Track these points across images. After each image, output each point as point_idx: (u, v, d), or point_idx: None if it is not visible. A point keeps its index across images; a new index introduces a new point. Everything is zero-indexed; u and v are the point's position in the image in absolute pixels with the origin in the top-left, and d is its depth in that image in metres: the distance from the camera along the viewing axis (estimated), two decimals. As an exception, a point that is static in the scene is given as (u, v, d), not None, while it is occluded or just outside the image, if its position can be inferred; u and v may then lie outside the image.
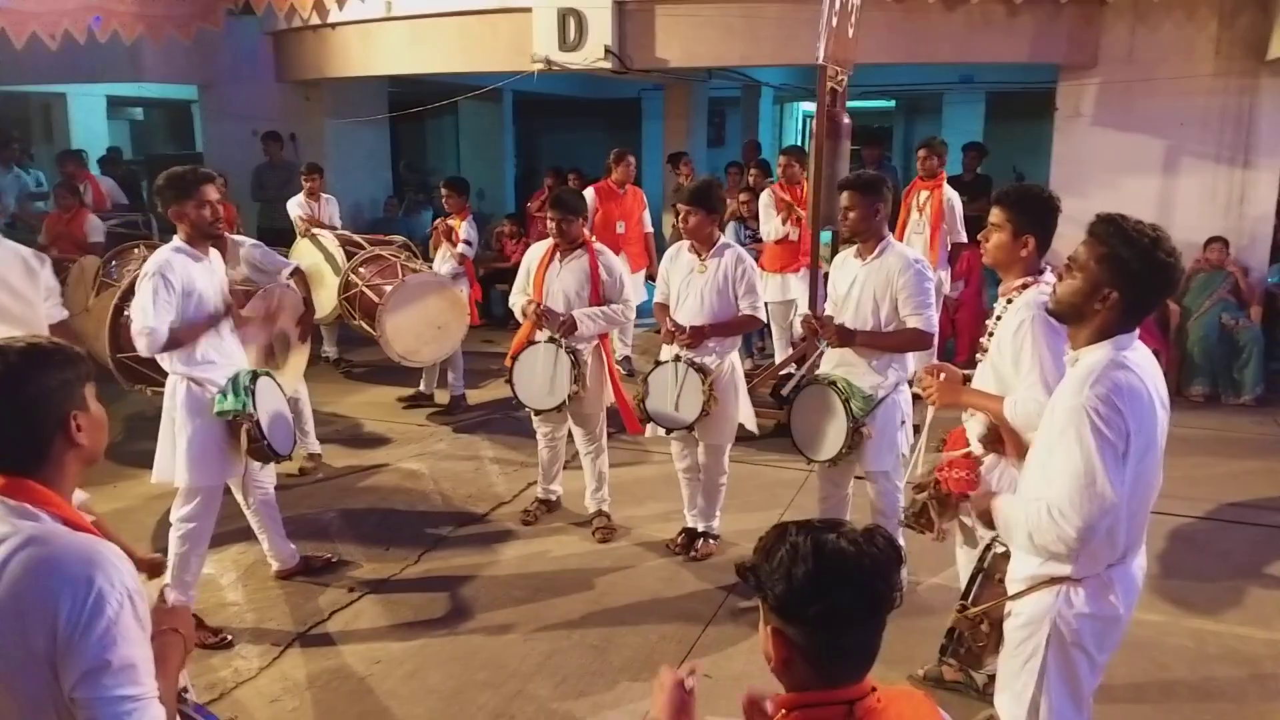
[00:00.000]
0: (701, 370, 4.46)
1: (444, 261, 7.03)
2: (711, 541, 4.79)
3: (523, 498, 5.44)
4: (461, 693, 3.65)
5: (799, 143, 14.79)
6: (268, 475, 4.38)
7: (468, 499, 5.51)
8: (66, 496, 1.69)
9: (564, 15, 7.61)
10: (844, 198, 3.94)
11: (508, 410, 6.85)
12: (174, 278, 3.80)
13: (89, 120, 14.26)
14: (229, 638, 3.97)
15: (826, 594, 1.44)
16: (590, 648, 3.97)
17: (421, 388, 7.31)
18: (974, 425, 3.07)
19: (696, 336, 4.46)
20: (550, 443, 5.15)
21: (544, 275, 4.83)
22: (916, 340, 3.93)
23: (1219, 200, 7.28)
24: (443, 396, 7.25)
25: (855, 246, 4.08)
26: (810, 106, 14.37)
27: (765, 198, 7.39)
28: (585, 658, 3.90)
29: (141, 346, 3.80)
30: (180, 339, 3.83)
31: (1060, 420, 2.18)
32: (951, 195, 6.96)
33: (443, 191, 7.17)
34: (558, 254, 4.83)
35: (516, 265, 6.95)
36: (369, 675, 3.77)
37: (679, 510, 4.94)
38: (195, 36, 8.90)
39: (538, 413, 4.96)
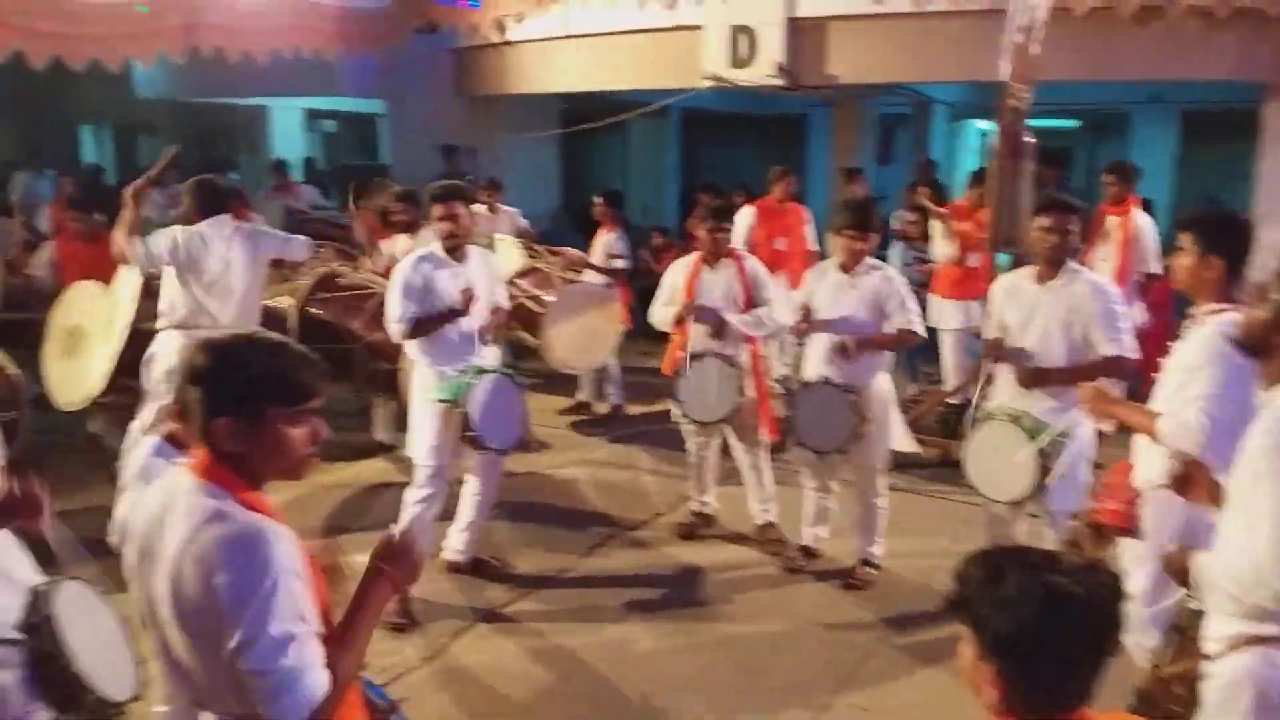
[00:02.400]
0: (849, 390, 4.39)
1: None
2: (871, 570, 4.69)
3: (680, 511, 5.47)
4: (613, 698, 3.72)
5: (976, 163, 14.28)
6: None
7: (625, 508, 5.59)
8: (250, 482, 1.79)
9: (735, 32, 7.65)
10: (1049, 219, 3.77)
11: (664, 422, 6.91)
12: (416, 278, 4.31)
13: (288, 132, 15.35)
14: (407, 622, 4.16)
15: (1054, 635, 1.41)
16: (743, 668, 3.95)
17: (581, 396, 7.48)
18: (1152, 458, 2.90)
19: (860, 349, 4.38)
20: (702, 453, 5.17)
21: (692, 285, 4.89)
22: (1114, 368, 3.73)
23: None
24: (601, 407, 7.39)
25: (1028, 270, 3.93)
26: (987, 124, 13.88)
27: (944, 217, 7.14)
28: (738, 677, 3.89)
29: (392, 334, 4.43)
30: (422, 328, 4.32)
31: (1259, 466, 2.03)
32: (1143, 222, 6.56)
33: (595, 200, 7.35)
34: (705, 265, 4.90)
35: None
36: (527, 673, 3.89)
37: (840, 530, 4.86)
38: (384, 54, 9.46)
39: (702, 425, 4.98)
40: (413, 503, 4.37)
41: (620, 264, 7.10)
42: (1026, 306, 3.86)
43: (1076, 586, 1.42)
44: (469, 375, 4.31)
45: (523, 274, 7.18)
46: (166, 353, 4.74)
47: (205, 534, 1.69)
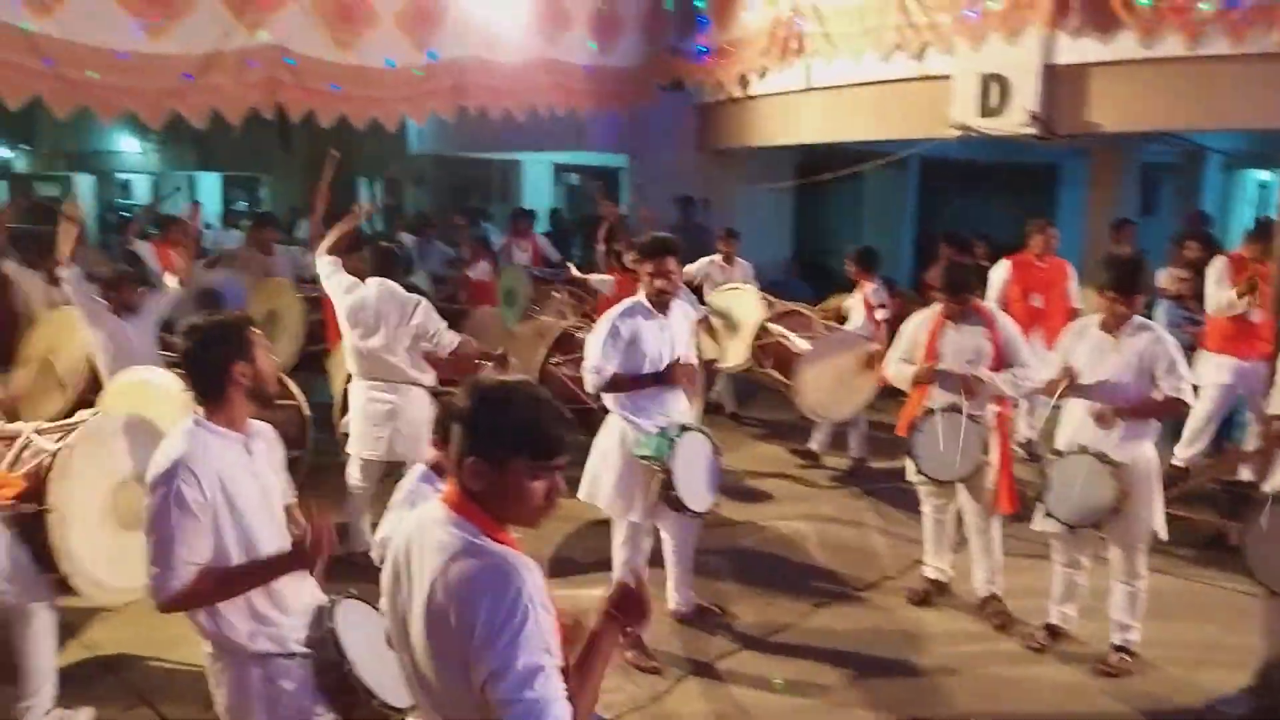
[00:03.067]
0: (1109, 462, 4.06)
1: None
2: (1126, 657, 4.28)
3: (910, 575, 5.25)
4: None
5: (1255, 215, 12.98)
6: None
7: (853, 567, 5.42)
8: (496, 510, 1.87)
9: (987, 80, 7.40)
10: None
11: (896, 480, 6.68)
12: (623, 328, 4.23)
13: (538, 184, 16.32)
14: (658, 668, 4.23)
15: None
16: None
17: (813, 445, 7.35)
18: None
19: (1120, 417, 4.08)
20: (939, 515, 4.94)
21: (935, 342, 4.69)
22: None
23: None
24: (835, 459, 7.23)
25: None
26: (1269, 175, 12.64)
27: (1219, 265, 6.49)
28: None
29: (587, 382, 4.30)
30: (620, 385, 4.25)
31: None
32: None
33: (847, 259, 7.25)
34: (949, 320, 4.68)
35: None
36: (747, 727, 3.84)
37: (1091, 610, 4.49)
38: (631, 110, 9.88)
39: (938, 484, 4.77)
40: (621, 558, 4.43)
41: (882, 314, 6.95)
42: None
43: None
44: (672, 433, 4.20)
45: (780, 316, 7.21)
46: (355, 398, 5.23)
47: (458, 566, 1.78)
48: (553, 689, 1.73)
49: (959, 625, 4.73)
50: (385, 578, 1.98)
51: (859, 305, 7.01)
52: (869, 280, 7.01)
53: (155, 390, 4.51)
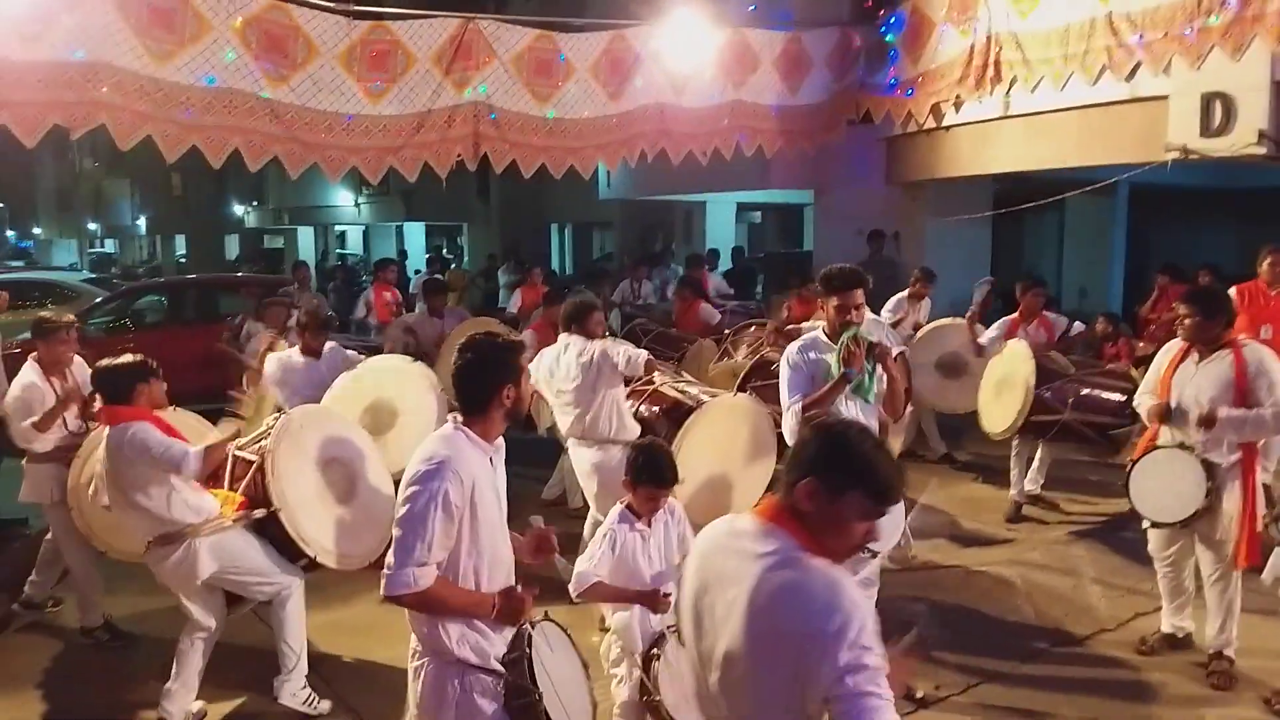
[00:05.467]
0: None
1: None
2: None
3: (1130, 628, 4.88)
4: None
5: None
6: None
7: (1064, 618, 5.10)
8: (815, 534, 1.96)
9: (1208, 100, 6.91)
10: None
11: (1115, 526, 6.27)
12: (802, 364, 4.15)
13: (720, 223, 16.49)
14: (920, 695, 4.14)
15: None
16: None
17: (1025, 489, 6.92)
18: None
19: None
20: (1169, 567, 4.58)
21: (1173, 375, 4.39)
22: None
23: None
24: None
25: None
26: None
27: None
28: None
29: (786, 425, 4.19)
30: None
31: None
32: None
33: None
34: (1192, 353, 4.36)
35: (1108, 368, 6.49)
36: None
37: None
38: (817, 147, 9.82)
39: (1155, 526, 4.45)
40: None
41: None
42: None
43: None
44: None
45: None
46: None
47: (783, 575, 1.89)
48: (888, 689, 1.82)
49: (1186, 682, 4.35)
50: (684, 600, 2.09)
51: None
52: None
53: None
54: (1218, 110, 6.86)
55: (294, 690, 4.13)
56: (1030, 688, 4.37)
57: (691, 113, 8.79)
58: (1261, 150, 6.79)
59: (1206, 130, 6.95)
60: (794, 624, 1.83)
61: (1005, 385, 6.54)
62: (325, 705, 4.18)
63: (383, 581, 2.57)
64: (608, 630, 3.65)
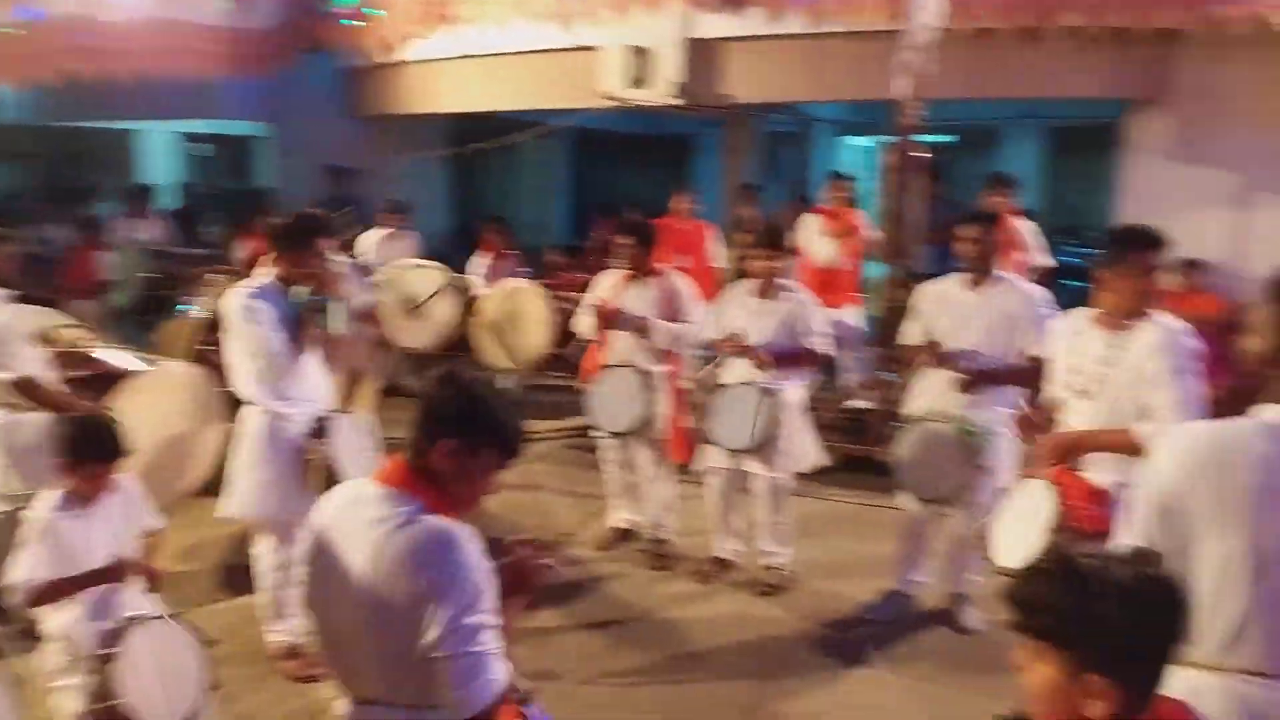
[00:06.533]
0: (770, 394, 4.49)
1: None
2: (783, 574, 4.77)
3: (593, 527, 5.44)
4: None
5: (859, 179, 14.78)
6: None
7: (536, 528, 5.49)
8: (447, 490, 2.02)
9: (633, 52, 7.72)
10: (974, 230, 4.04)
11: (573, 440, 6.89)
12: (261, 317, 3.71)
13: (161, 155, 14.70)
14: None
15: (1162, 626, 1.46)
16: (666, 690, 3.95)
17: None
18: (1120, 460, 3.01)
19: (763, 359, 4.51)
20: (620, 468, 5.17)
21: (618, 298, 4.93)
22: (1041, 371, 3.94)
23: (1297, 236, 7.10)
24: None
25: (956, 278, 4.13)
26: (865, 140, 14.36)
27: (816, 222, 7.39)
28: (660, 700, 3.88)
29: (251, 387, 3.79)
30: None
31: None
32: (1025, 226, 7.08)
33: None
34: (629, 281, 4.94)
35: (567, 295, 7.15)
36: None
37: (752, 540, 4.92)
38: (269, 75, 9.19)
39: (614, 435, 4.98)
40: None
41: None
42: (959, 313, 4.05)
43: (1154, 570, 1.48)
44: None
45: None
46: None
47: (403, 535, 1.91)
48: (495, 644, 1.91)
49: (640, 572, 4.96)
50: (305, 558, 2.07)
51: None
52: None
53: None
54: (641, 63, 7.70)
55: None
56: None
57: (120, 29, 7.65)
58: (678, 101, 7.79)
59: (632, 81, 7.77)
60: (407, 585, 1.88)
61: (513, 322, 6.87)
62: None
63: None
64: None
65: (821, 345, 4.67)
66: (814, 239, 7.34)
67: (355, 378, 5.19)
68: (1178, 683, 1.86)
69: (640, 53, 7.70)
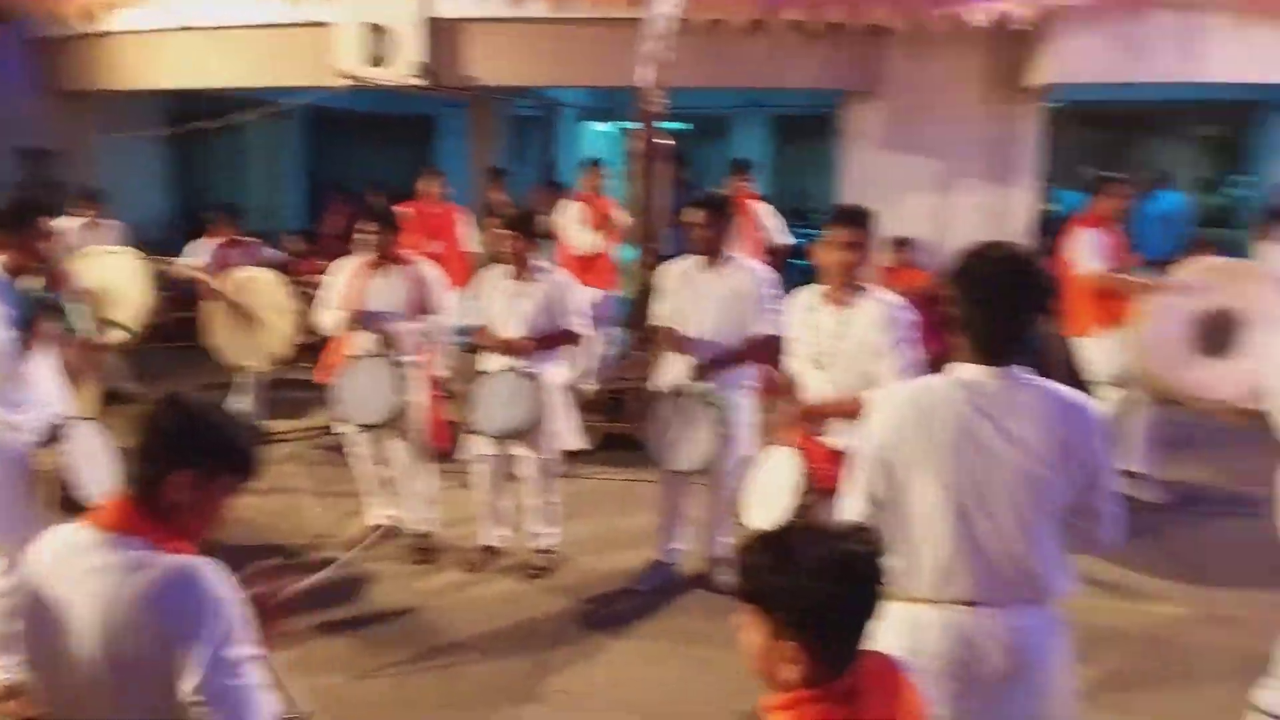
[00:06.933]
0: (531, 378, 4.50)
1: None
2: (552, 555, 4.82)
3: (349, 529, 5.22)
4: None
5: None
6: None
7: (289, 535, 5.22)
8: (179, 523, 1.86)
9: (371, 30, 7.43)
10: (701, 214, 4.18)
11: (321, 438, 6.57)
12: None
13: None
14: None
15: (851, 597, 1.51)
16: (438, 678, 3.90)
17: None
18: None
19: (522, 348, 4.51)
20: (374, 463, 5.00)
21: (361, 288, 4.75)
22: (772, 346, 4.18)
23: (987, 217, 7.99)
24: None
25: (694, 260, 4.30)
26: (606, 126, 14.68)
27: (576, 210, 7.49)
28: (434, 688, 3.83)
29: None
30: None
31: None
32: (762, 208, 7.57)
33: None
34: (374, 269, 4.77)
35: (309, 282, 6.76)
36: None
37: (518, 525, 4.93)
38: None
39: (364, 428, 4.79)
40: None
41: None
42: (696, 292, 4.23)
43: (859, 547, 1.54)
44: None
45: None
46: None
47: (138, 579, 1.75)
48: (259, 677, 1.80)
49: (405, 567, 4.84)
50: (26, 633, 1.87)
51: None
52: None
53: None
54: (379, 41, 7.43)
55: None
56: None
57: None
58: (420, 81, 7.59)
59: (370, 59, 7.49)
60: (151, 633, 1.75)
61: (250, 314, 6.37)
62: None
63: None
64: None
65: (580, 325, 4.73)
66: (573, 226, 7.41)
67: (77, 379, 4.70)
68: (901, 615, 2.12)
69: (378, 31, 7.43)
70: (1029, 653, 2.16)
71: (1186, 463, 6.06)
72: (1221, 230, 10.57)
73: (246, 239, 7.27)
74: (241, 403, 6.82)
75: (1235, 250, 8.33)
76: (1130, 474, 5.42)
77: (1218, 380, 4.99)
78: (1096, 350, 5.53)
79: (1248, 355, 4.90)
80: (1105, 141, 12.61)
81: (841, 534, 1.59)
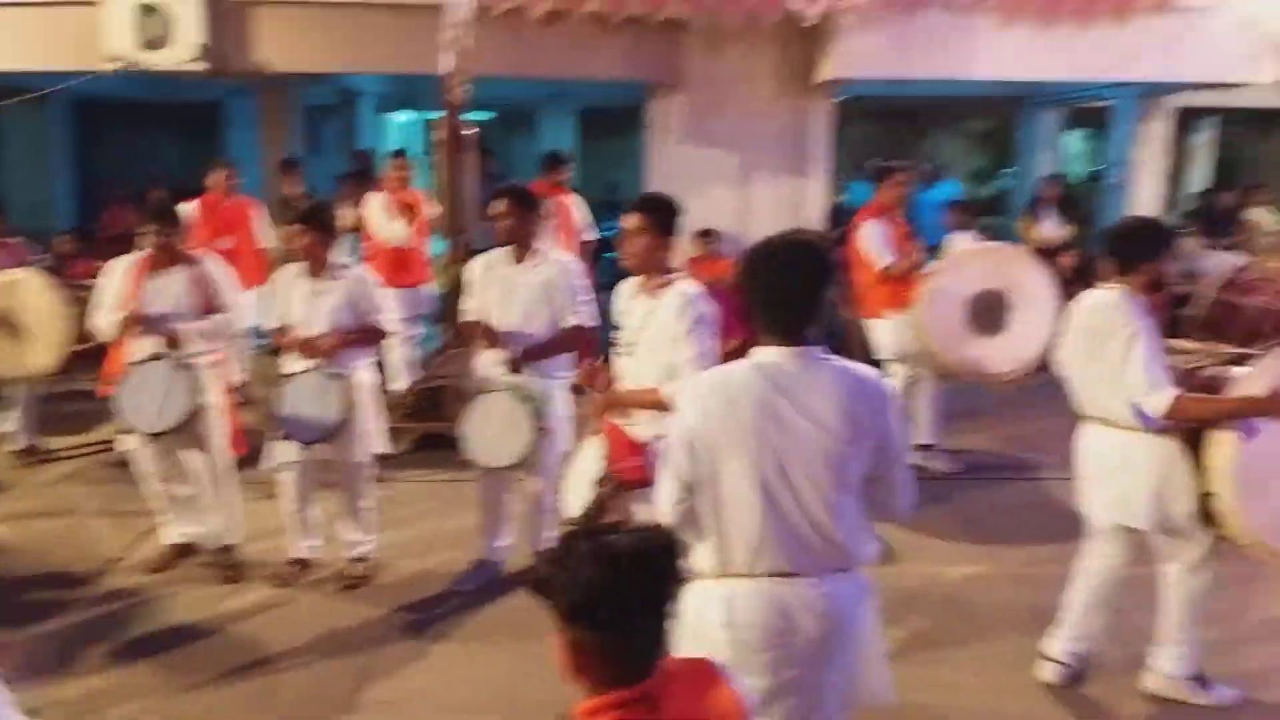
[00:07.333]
0: (340, 378, 4.35)
1: None
2: (369, 564, 4.67)
3: (144, 552, 4.85)
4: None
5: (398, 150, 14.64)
6: None
7: (73, 561, 4.80)
8: None
9: (144, 11, 6.89)
10: (503, 205, 4.12)
11: (106, 454, 6.07)
12: None
13: None
14: None
15: (615, 595, 1.49)
16: (254, 694, 3.71)
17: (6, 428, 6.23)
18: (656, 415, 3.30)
19: (325, 348, 4.34)
20: (165, 475, 4.63)
21: (140, 289, 4.42)
22: (582, 337, 4.18)
23: (784, 208, 8.32)
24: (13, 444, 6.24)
25: (503, 252, 4.26)
26: (407, 115, 14.29)
27: (381, 202, 7.25)
28: (250, 705, 3.64)
29: None
30: None
31: None
32: (574, 201, 7.64)
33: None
34: (153, 267, 4.47)
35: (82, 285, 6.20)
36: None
37: (331, 535, 4.74)
38: None
39: (152, 438, 4.45)
40: None
41: None
42: (505, 285, 4.19)
43: (634, 543, 1.53)
44: None
45: None
46: None
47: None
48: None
49: (209, 587, 4.55)
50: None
51: None
52: None
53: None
54: (154, 23, 6.90)
55: None
56: (57, 645, 4.04)
57: None
58: (202, 66, 7.11)
59: (145, 42, 6.95)
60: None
61: (16, 321, 5.73)
62: None
63: None
64: None
65: (385, 322, 4.57)
66: (381, 219, 7.16)
67: None
68: (718, 591, 2.23)
69: (152, 11, 6.90)
70: (841, 618, 2.29)
71: (969, 432, 6.56)
72: (994, 218, 11.43)
73: (8, 239, 6.57)
74: (7, 421, 6.22)
75: (1004, 236, 9.07)
76: (922, 446, 5.82)
77: (991, 355, 5.44)
78: (885, 331, 5.89)
79: (1015, 332, 5.38)
80: (889, 135, 13.42)
81: (625, 528, 1.60)
